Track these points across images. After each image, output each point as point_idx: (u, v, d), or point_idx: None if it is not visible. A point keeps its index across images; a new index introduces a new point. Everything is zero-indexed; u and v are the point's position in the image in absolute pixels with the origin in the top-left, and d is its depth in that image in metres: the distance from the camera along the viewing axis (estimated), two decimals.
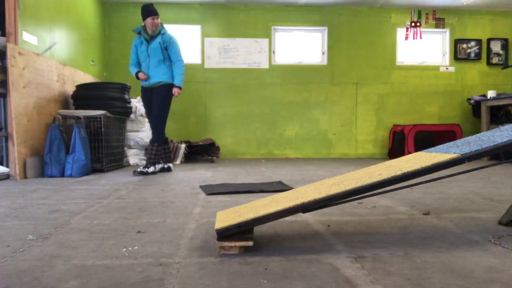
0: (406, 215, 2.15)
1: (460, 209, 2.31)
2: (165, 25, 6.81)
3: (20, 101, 3.86)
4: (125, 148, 5.38)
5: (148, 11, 4.28)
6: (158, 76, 4.33)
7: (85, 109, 4.56)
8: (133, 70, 4.45)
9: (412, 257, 1.44)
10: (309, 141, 7.01)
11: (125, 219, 2.08)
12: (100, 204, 2.53)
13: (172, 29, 6.85)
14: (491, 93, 6.29)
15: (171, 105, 4.48)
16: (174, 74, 4.37)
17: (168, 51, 4.35)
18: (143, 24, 4.37)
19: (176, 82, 4.35)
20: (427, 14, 7.07)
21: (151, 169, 4.24)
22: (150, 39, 4.34)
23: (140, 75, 4.34)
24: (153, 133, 4.38)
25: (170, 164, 4.53)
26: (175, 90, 4.34)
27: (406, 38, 7.07)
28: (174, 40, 4.38)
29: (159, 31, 4.34)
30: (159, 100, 4.32)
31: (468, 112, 7.17)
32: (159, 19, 4.35)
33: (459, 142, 1.94)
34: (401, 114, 7.12)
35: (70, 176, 4.05)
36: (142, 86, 4.47)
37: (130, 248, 1.57)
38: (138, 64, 4.48)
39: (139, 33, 4.40)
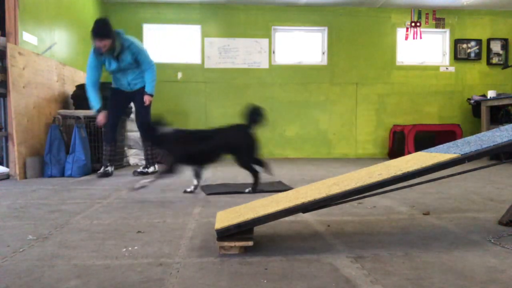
0: (406, 215, 2.15)
1: (460, 209, 2.31)
2: (164, 25, 6.84)
3: (20, 101, 3.86)
4: (125, 148, 5.38)
5: (94, 32, 3.74)
6: (139, 82, 4.07)
7: (85, 109, 4.56)
8: (93, 97, 3.89)
9: (412, 257, 1.44)
10: (309, 141, 7.01)
11: (125, 219, 2.08)
12: (100, 204, 2.53)
13: (172, 29, 6.86)
14: (491, 93, 6.29)
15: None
16: (146, 80, 4.01)
17: (139, 60, 3.95)
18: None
19: (148, 89, 4.00)
20: (427, 14, 7.07)
21: (151, 169, 4.23)
22: (117, 56, 3.88)
23: (100, 118, 3.90)
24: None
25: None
26: (146, 98, 3.99)
27: (406, 38, 7.07)
28: (141, 47, 3.99)
29: (122, 47, 3.85)
30: (144, 103, 4.04)
31: (468, 112, 7.17)
32: (109, 41, 3.75)
33: (459, 142, 1.94)
34: (401, 114, 7.12)
35: (70, 176, 4.05)
36: (118, 88, 4.09)
37: (130, 248, 1.57)
38: (98, 82, 3.96)
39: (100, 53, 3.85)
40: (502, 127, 1.97)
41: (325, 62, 7.01)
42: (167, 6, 6.74)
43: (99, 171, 4.12)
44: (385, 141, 7.09)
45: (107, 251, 1.53)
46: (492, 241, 1.63)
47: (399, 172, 1.57)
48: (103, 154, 4.16)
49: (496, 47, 7.20)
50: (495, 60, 7.20)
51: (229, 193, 2.93)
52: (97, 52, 3.84)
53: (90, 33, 3.77)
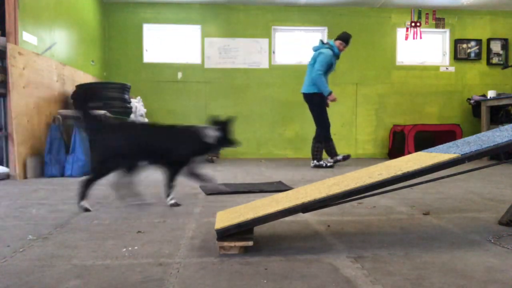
0: (406, 215, 2.15)
1: (460, 209, 2.31)
2: (164, 25, 6.85)
3: (20, 101, 3.86)
4: None
5: (349, 40, 5.13)
6: None
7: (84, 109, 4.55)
8: (325, 84, 4.90)
9: (412, 257, 1.44)
10: (309, 141, 6.95)
11: (125, 219, 2.08)
12: (100, 204, 2.53)
13: (172, 29, 6.86)
14: (491, 93, 6.29)
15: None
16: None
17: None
18: (329, 42, 5.10)
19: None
20: (427, 14, 7.07)
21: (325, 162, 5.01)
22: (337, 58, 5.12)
23: (333, 96, 4.92)
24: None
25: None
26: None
27: (406, 38, 7.07)
28: None
29: None
30: None
31: (468, 112, 7.17)
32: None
33: (459, 142, 1.94)
34: (401, 114, 7.12)
35: (70, 176, 4.05)
36: (321, 94, 4.98)
37: (130, 248, 1.56)
38: None
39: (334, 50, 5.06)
40: (502, 127, 1.97)
41: None
42: (167, 6, 6.74)
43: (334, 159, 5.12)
44: (385, 141, 7.09)
45: (107, 251, 1.53)
46: (492, 241, 1.63)
47: (399, 172, 1.57)
48: (318, 150, 5.12)
49: (496, 47, 7.20)
50: (495, 60, 7.20)
51: (229, 193, 2.93)
52: (336, 55, 5.06)
53: (347, 39, 5.10)
